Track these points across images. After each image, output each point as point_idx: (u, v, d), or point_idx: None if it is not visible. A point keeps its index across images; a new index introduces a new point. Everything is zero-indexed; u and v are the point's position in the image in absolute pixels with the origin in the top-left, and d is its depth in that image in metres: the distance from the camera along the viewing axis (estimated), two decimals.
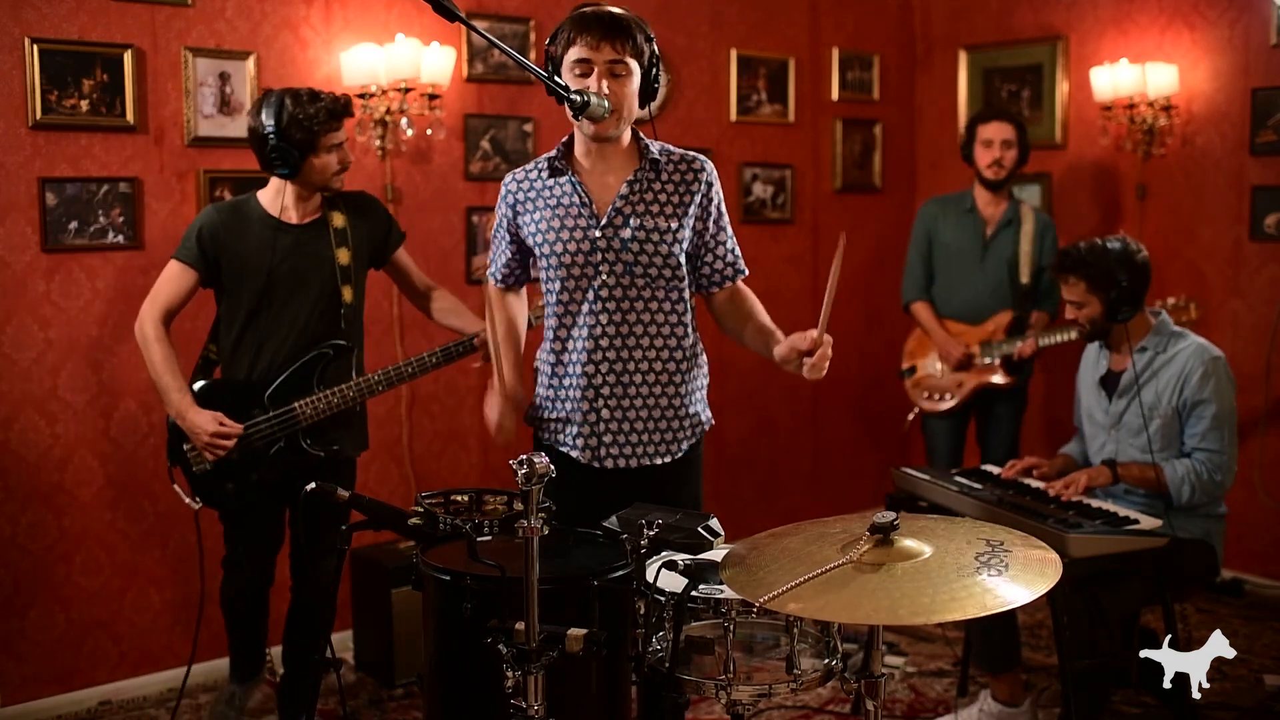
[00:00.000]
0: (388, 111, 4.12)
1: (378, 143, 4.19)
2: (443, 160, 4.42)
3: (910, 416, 4.93)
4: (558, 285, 2.71)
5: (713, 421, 2.87)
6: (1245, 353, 4.74)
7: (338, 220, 3.35)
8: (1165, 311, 3.56)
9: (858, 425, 5.77)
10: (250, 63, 3.97)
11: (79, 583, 3.82)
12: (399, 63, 4.03)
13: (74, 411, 3.78)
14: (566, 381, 2.74)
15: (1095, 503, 3.31)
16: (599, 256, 2.67)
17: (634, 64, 2.59)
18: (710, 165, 2.77)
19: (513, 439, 2.82)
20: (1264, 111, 4.67)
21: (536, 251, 2.73)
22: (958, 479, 3.51)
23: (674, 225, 2.68)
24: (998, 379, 4.55)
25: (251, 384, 3.29)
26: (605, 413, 2.71)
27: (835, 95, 5.51)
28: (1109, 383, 3.56)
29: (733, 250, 2.83)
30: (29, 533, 3.73)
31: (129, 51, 3.76)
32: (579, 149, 2.73)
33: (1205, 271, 4.88)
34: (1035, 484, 3.51)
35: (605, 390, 2.71)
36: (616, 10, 2.60)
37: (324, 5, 4.12)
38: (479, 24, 4.37)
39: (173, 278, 3.28)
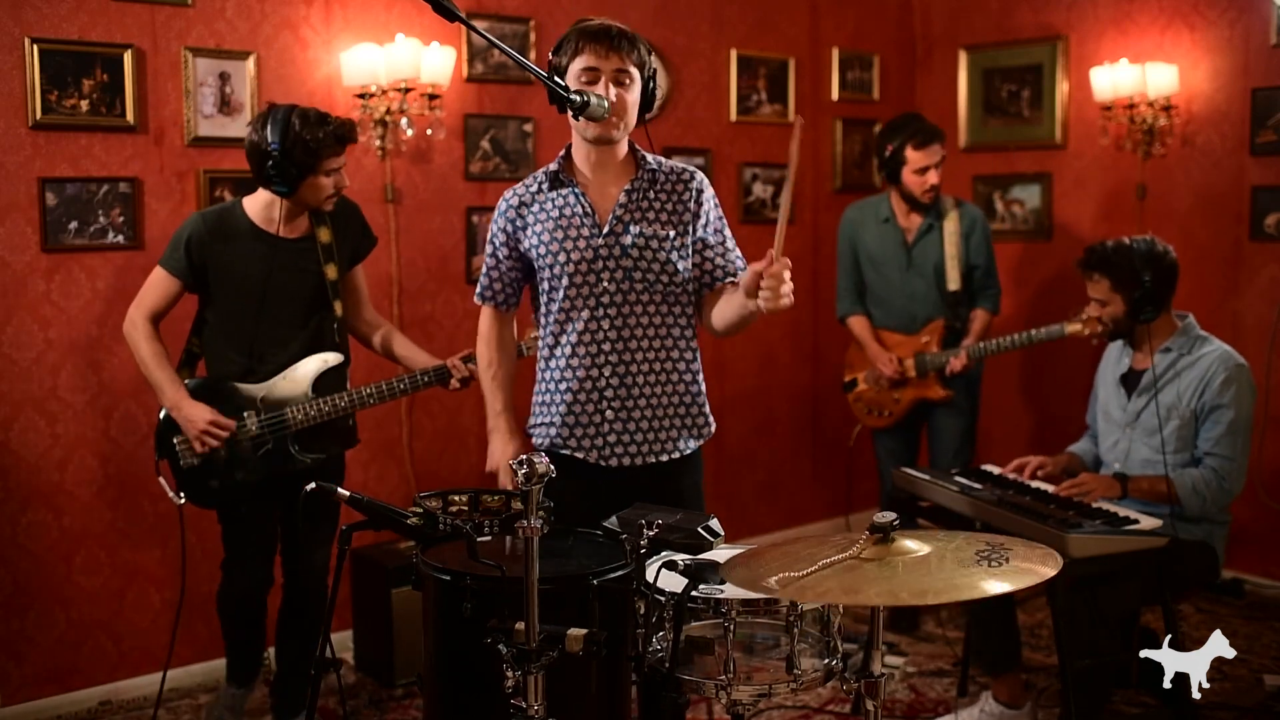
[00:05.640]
0: (388, 111, 4.12)
1: (378, 143, 4.18)
2: (443, 160, 4.42)
3: (855, 431, 4.86)
4: (560, 294, 2.75)
5: (714, 426, 2.91)
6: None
7: (324, 236, 3.39)
8: (1191, 316, 3.54)
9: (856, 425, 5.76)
10: (250, 63, 3.97)
11: (79, 583, 3.82)
12: (399, 63, 4.03)
13: (74, 411, 3.78)
14: (563, 386, 2.78)
15: (1095, 502, 3.31)
16: (600, 264, 2.72)
17: (636, 73, 2.69)
18: (700, 175, 2.84)
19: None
20: (1264, 111, 4.67)
21: (539, 263, 2.77)
22: (958, 479, 3.51)
23: (671, 234, 2.75)
24: (934, 394, 4.42)
25: (245, 386, 3.33)
26: (610, 414, 2.76)
27: (835, 95, 5.51)
28: (1129, 380, 3.56)
29: (725, 255, 2.85)
30: (29, 533, 3.73)
31: (129, 51, 3.76)
32: (579, 159, 2.78)
33: (1205, 271, 4.88)
34: (1038, 484, 3.51)
35: (609, 394, 2.75)
36: (620, 25, 2.70)
37: (324, 5, 4.12)
38: (479, 24, 4.37)
39: (158, 284, 3.32)
